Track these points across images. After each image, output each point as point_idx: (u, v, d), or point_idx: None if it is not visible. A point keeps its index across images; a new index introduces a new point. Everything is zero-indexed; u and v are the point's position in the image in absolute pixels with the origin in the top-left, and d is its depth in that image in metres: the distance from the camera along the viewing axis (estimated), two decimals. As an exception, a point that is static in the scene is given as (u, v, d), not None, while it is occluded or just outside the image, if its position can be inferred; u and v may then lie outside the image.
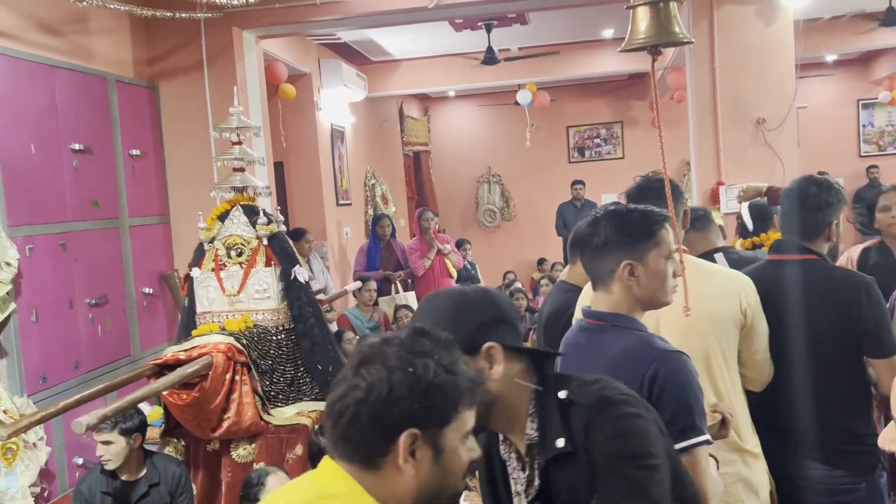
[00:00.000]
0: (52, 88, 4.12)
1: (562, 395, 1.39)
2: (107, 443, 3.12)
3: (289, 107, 6.81)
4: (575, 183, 9.48)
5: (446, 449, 1.16)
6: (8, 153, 3.72)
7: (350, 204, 8.13)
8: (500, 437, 1.50)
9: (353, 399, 1.13)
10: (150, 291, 4.94)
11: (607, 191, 10.48)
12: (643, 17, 1.79)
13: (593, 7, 6.09)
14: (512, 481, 1.47)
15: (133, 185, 4.83)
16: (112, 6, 4.13)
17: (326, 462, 1.20)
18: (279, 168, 6.71)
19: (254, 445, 3.25)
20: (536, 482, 1.41)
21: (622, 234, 1.70)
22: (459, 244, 7.34)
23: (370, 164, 9.05)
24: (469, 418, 1.19)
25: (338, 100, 7.81)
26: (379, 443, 1.13)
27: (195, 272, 3.55)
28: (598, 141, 11.08)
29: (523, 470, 1.45)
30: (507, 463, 1.49)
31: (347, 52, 7.80)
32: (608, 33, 7.83)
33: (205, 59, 5.12)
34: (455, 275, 6.71)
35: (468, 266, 7.29)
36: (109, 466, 3.13)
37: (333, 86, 7.38)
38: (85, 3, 3.84)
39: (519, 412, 1.42)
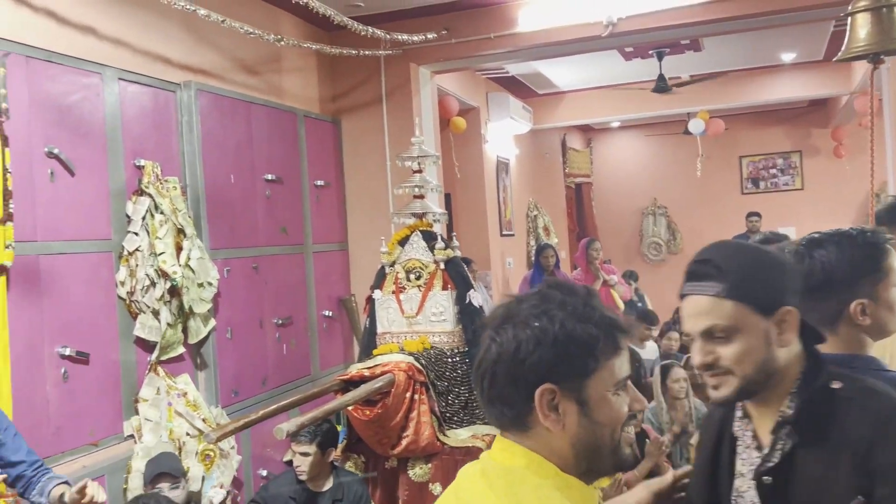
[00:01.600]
0: (250, 123, 4.47)
1: (836, 385, 1.32)
2: (305, 454, 3.30)
3: (458, 139, 6.99)
4: (750, 215, 9.03)
5: (591, 401, 1.10)
6: (212, 183, 4.06)
7: (513, 235, 8.18)
8: (739, 412, 1.43)
9: (489, 361, 1.12)
10: (330, 314, 5.19)
11: (785, 224, 9.86)
12: (863, 24, 1.68)
13: (774, 30, 5.83)
14: (739, 461, 1.40)
15: (317, 214, 5.12)
16: (305, 45, 4.44)
17: (498, 440, 1.18)
18: (447, 199, 6.88)
19: (430, 465, 3.30)
20: (773, 461, 1.33)
21: (847, 270, 1.53)
22: (628, 277, 7.15)
23: (532, 195, 9.08)
24: (619, 366, 1.13)
25: (504, 132, 7.93)
26: (520, 402, 1.11)
27: (377, 294, 3.69)
28: (774, 171, 10.52)
29: (758, 449, 1.37)
30: (739, 441, 1.41)
31: (514, 86, 7.92)
32: (788, 57, 7.46)
33: (384, 95, 5.38)
34: (622, 306, 6.56)
35: (636, 298, 7.09)
36: (303, 477, 3.30)
37: (500, 118, 7.50)
38: (283, 42, 4.14)
39: (782, 388, 1.34)
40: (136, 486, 3.36)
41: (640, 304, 7.41)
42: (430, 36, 4.80)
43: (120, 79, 3.57)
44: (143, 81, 3.72)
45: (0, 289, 2.81)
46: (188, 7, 3.48)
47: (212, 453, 3.68)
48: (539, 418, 1.10)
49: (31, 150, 3.08)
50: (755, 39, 6.55)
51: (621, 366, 1.13)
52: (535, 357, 1.08)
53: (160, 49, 3.86)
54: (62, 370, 3.19)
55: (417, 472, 3.30)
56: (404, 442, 3.23)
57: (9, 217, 2.83)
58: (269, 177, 4.58)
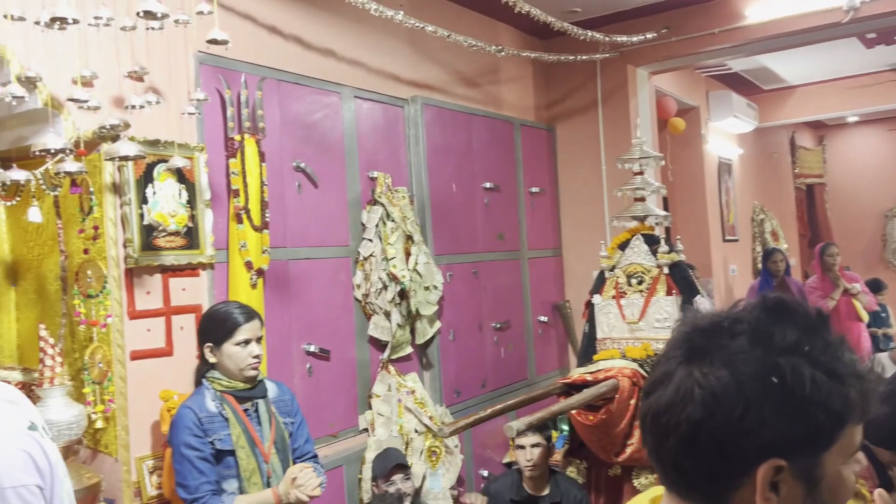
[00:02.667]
0: (470, 133, 4.63)
1: None
2: (536, 445, 3.34)
3: (676, 140, 6.75)
4: None
5: (826, 477, 0.83)
6: (436, 192, 4.25)
7: (736, 240, 7.73)
8: None
9: (687, 417, 0.82)
10: (545, 320, 5.22)
11: None
12: None
13: None
14: None
15: (531, 220, 5.18)
16: (525, 54, 4.52)
17: (668, 498, 0.90)
18: (664, 202, 6.66)
19: (656, 475, 3.21)
20: None
21: None
22: (875, 287, 6.44)
23: (758, 198, 8.53)
24: (857, 433, 0.85)
25: (725, 132, 7.54)
26: (723, 475, 0.83)
27: (596, 299, 3.66)
28: None
29: None
30: None
31: (737, 83, 7.50)
32: None
33: (599, 99, 5.33)
34: (866, 318, 5.96)
35: (880, 308, 6.40)
36: (535, 472, 3.32)
37: (722, 118, 7.14)
38: (503, 53, 4.25)
39: None
40: (369, 476, 3.59)
41: (883, 315, 6.68)
42: (649, 36, 4.69)
43: (356, 97, 3.85)
44: (376, 98, 3.99)
45: (259, 290, 3.13)
46: (417, 24, 3.68)
47: (438, 450, 3.83)
48: (746, 497, 0.82)
49: (282, 165, 3.41)
50: None
51: (858, 432, 0.86)
52: (770, 428, 0.80)
53: (390, 67, 4.12)
54: (307, 365, 3.49)
55: (643, 481, 3.22)
56: (629, 450, 3.17)
57: (265, 225, 3.15)
58: (488, 185, 4.71)
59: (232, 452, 2.39)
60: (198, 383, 2.51)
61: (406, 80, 4.23)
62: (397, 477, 3.40)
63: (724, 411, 0.80)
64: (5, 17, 2.07)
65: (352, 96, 3.83)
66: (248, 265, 3.08)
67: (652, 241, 3.60)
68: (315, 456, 2.70)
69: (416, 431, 3.81)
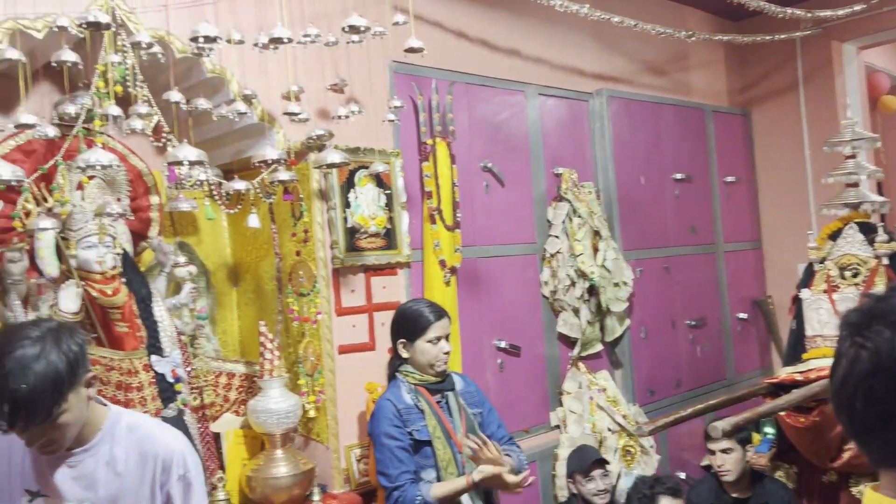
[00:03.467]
0: (658, 123, 4.48)
1: None
2: (726, 451, 3.21)
3: (889, 120, 6.14)
4: None
5: None
6: (623, 185, 4.16)
7: (966, 227, 6.90)
8: None
9: (860, 375, 0.90)
10: (744, 317, 4.94)
11: None
12: None
13: None
14: None
15: (727, 212, 4.92)
16: (717, 38, 4.32)
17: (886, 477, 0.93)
18: (877, 187, 6.07)
19: (877, 482, 2.94)
20: None
21: None
22: None
23: None
24: None
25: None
26: None
27: (805, 293, 3.41)
28: None
29: None
30: None
31: (962, 51, 6.68)
32: None
33: (800, 79, 4.97)
34: None
35: None
36: (728, 478, 3.20)
37: (945, 91, 6.39)
38: (693, 38, 4.08)
39: None
40: (562, 473, 3.58)
41: None
42: (857, 8, 4.30)
43: (540, 94, 3.85)
44: (559, 94, 3.97)
45: (452, 287, 3.23)
46: (602, 16, 3.62)
47: (633, 450, 3.75)
48: None
49: (471, 166, 3.49)
50: None
51: None
52: None
53: (574, 61, 4.08)
54: (499, 361, 3.54)
55: (862, 489, 2.96)
56: (846, 455, 2.93)
57: (457, 225, 3.25)
58: (678, 176, 4.54)
59: (428, 443, 2.48)
60: (391, 377, 2.64)
61: (590, 73, 4.17)
62: (597, 472, 3.37)
63: (885, 359, 0.87)
64: (228, 41, 2.28)
65: (536, 94, 3.84)
66: (442, 264, 3.19)
67: (868, 230, 3.30)
68: (511, 438, 2.74)
69: (610, 430, 3.75)
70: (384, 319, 3.08)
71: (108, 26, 1.87)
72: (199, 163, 2.05)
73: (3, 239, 2.30)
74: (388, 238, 3.07)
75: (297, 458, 2.70)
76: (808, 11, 4.20)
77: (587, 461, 3.41)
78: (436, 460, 2.49)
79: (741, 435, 3.24)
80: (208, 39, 1.98)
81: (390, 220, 3.07)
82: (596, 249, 3.87)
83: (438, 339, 2.57)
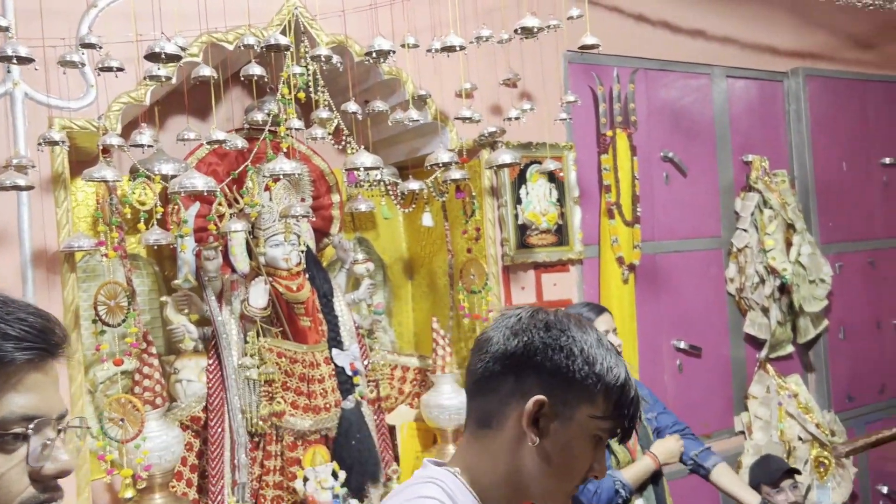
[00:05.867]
0: (864, 103, 4.05)
1: None
2: None
3: None
4: None
5: None
6: (822, 173, 3.80)
7: None
8: None
9: None
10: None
11: None
12: None
13: None
14: None
15: (947, 199, 4.37)
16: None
17: None
18: None
19: None
20: None
21: None
22: None
23: None
24: None
25: None
26: None
27: None
28: None
29: None
30: None
31: None
32: None
33: None
34: None
35: None
36: None
37: None
38: (910, 7, 3.63)
39: None
40: (745, 481, 3.36)
41: None
42: None
43: (727, 76, 3.60)
44: (750, 76, 3.69)
45: (630, 285, 3.11)
46: (800, -9, 3.31)
47: (827, 461, 3.45)
48: None
49: (650, 156, 3.32)
50: None
51: None
52: None
53: (767, 39, 3.77)
54: (678, 362, 3.38)
55: None
56: None
57: (636, 220, 3.12)
58: (887, 160, 4.08)
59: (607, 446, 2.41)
60: None
61: (785, 51, 3.83)
62: (786, 483, 3.14)
63: None
64: (402, 46, 2.30)
65: (723, 76, 3.59)
66: (620, 260, 3.08)
67: None
68: (688, 428, 2.61)
69: (800, 439, 3.48)
70: (556, 317, 3.02)
71: (287, 48, 1.94)
72: (375, 168, 2.09)
73: (200, 238, 2.48)
74: (560, 234, 3.00)
75: (468, 454, 2.72)
76: None
77: (776, 472, 3.18)
78: (616, 463, 2.42)
79: None
80: (382, 53, 2.00)
81: (562, 215, 3.00)
82: (789, 244, 3.57)
83: (606, 332, 2.49)
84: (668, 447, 2.37)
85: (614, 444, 2.40)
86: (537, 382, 1.00)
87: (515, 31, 2.14)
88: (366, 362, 2.71)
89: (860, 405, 3.90)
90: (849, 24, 4.05)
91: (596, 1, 3.14)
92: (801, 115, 3.76)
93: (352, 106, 2.26)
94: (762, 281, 3.49)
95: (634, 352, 3.10)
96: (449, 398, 2.68)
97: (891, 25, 4.25)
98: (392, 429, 2.83)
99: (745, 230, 3.52)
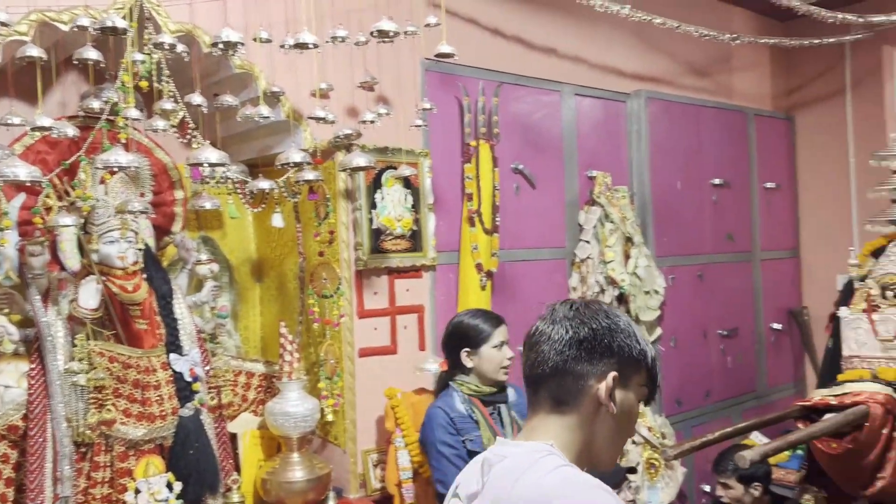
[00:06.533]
0: (698, 127, 4.35)
1: None
2: (725, 486, 3.14)
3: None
4: None
5: None
6: (659, 190, 4.05)
7: None
8: None
9: None
10: (779, 327, 4.81)
11: None
12: None
13: None
14: None
15: (766, 219, 4.78)
16: (762, 41, 4.17)
17: None
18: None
19: (913, 515, 2.83)
20: None
21: None
22: None
23: None
24: None
25: None
26: None
27: (843, 312, 3.29)
28: None
29: None
30: None
31: None
32: None
33: (847, 85, 4.79)
34: None
35: None
36: None
37: None
38: (738, 41, 3.94)
39: None
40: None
41: None
42: (912, 12, 4.12)
43: (576, 94, 3.75)
44: (596, 95, 3.86)
45: (487, 291, 3.19)
46: (644, 17, 3.51)
47: (657, 463, 3.66)
48: None
49: (502, 167, 3.40)
50: None
51: None
52: None
53: (612, 61, 3.97)
54: (523, 367, 3.47)
55: (896, 521, 2.86)
56: (879, 483, 2.82)
57: (496, 229, 3.22)
58: (716, 181, 4.40)
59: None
60: (443, 388, 2.59)
61: (629, 73, 4.06)
62: (624, 484, 3.31)
63: None
64: (254, 40, 2.23)
65: (572, 93, 3.74)
66: (479, 267, 3.15)
67: (914, 249, 3.16)
68: None
69: (634, 442, 3.66)
70: (407, 323, 3.03)
71: (124, 31, 1.83)
72: (220, 164, 2.01)
73: (26, 231, 2.28)
74: (414, 240, 3.01)
75: (314, 461, 2.67)
76: (860, 16, 4.03)
77: (617, 473, 3.34)
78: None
79: (751, 472, 3.12)
80: (230, 45, 1.93)
81: (416, 221, 3.01)
82: (627, 256, 3.77)
83: (502, 344, 2.55)
84: None
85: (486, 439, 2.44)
86: (608, 361, 1.22)
87: (372, 33, 2.12)
88: (207, 368, 2.59)
89: (688, 409, 4.17)
90: (687, 52, 4.34)
91: (453, 11, 3.19)
92: (641, 135, 3.99)
93: (196, 98, 2.15)
94: (602, 290, 3.66)
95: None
96: (295, 405, 2.61)
97: (723, 56, 4.61)
98: (233, 437, 2.72)
99: (587, 242, 3.68)
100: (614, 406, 1.21)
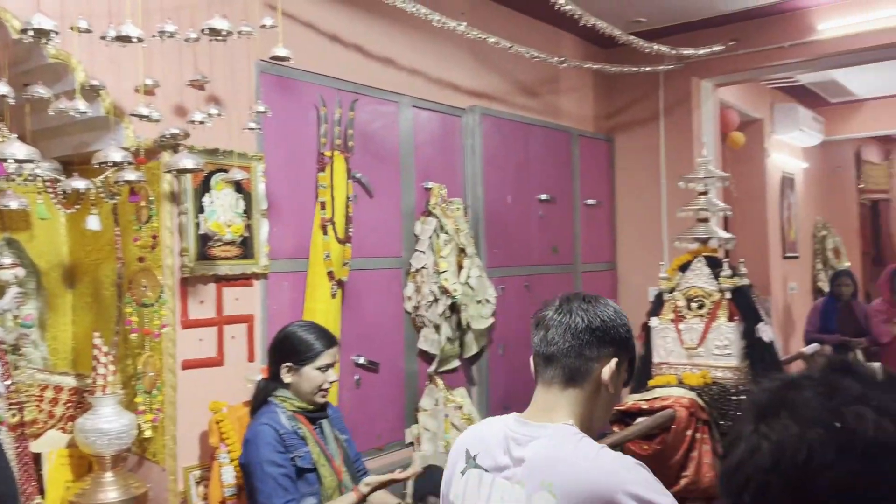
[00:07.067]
0: (528, 144, 4.54)
1: None
2: None
3: (736, 155, 6.56)
4: None
5: None
6: (491, 203, 4.18)
7: (797, 257, 7.49)
8: None
9: (756, 467, 0.82)
10: (597, 336, 5.09)
11: None
12: None
13: None
14: None
15: (587, 233, 5.07)
16: (587, 65, 4.42)
17: None
18: (724, 220, 6.47)
19: (710, 509, 3.09)
20: None
21: None
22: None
23: (821, 213, 8.25)
24: None
25: (790, 145, 7.30)
26: None
27: (653, 321, 3.54)
28: None
29: None
30: None
31: (803, 95, 7.25)
32: None
33: (661, 111, 5.19)
34: (933, 346, 5.69)
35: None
36: None
37: (787, 131, 6.91)
38: (566, 64, 4.15)
39: None
40: (411, 492, 3.53)
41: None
42: (716, 48, 4.54)
43: (414, 106, 3.80)
44: (433, 108, 3.93)
45: (337, 300, 3.16)
46: (480, 35, 3.61)
47: (484, 468, 3.76)
48: None
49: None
50: None
51: None
52: (836, 471, 0.78)
53: (450, 76, 4.06)
54: (356, 377, 3.45)
55: (698, 514, 3.11)
56: (683, 482, 3.05)
57: (348, 239, 3.22)
58: (543, 196, 4.62)
59: (310, 470, 2.36)
60: (262, 401, 2.47)
61: (465, 89, 4.16)
62: (434, 499, 3.35)
63: (789, 457, 0.80)
64: (72, 28, 2.07)
65: (410, 105, 3.78)
66: (331, 275, 3.14)
67: (714, 265, 3.47)
68: (367, 472, 2.67)
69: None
70: (235, 333, 2.92)
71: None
72: (29, 161, 1.83)
73: None
74: (245, 247, 2.91)
75: (129, 481, 2.50)
76: (673, 48, 4.39)
77: (434, 481, 3.39)
78: (322, 488, 2.37)
79: None
80: (41, 32, 1.77)
81: (248, 227, 2.91)
82: (460, 266, 3.86)
83: (328, 366, 2.45)
84: (375, 482, 2.36)
85: (322, 468, 2.36)
86: (611, 347, 1.43)
87: (204, 31, 2.03)
88: (8, 382, 2.36)
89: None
90: (519, 71, 4.52)
91: (291, 14, 3.13)
92: (475, 150, 4.10)
93: (2, 87, 1.96)
94: (436, 300, 3.72)
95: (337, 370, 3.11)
96: (109, 421, 2.44)
97: (552, 78, 4.84)
98: (37, 457, 2.49)
99: (422, 252, 3.73)
100: (612, 386, 1.43)
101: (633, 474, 1.31)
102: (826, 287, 7.04)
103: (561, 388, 1.45)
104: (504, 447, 1.42)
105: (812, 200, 8.08)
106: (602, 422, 1.50)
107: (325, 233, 3.17)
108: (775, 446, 0.82)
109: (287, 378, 2.43)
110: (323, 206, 3.18)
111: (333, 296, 3.18)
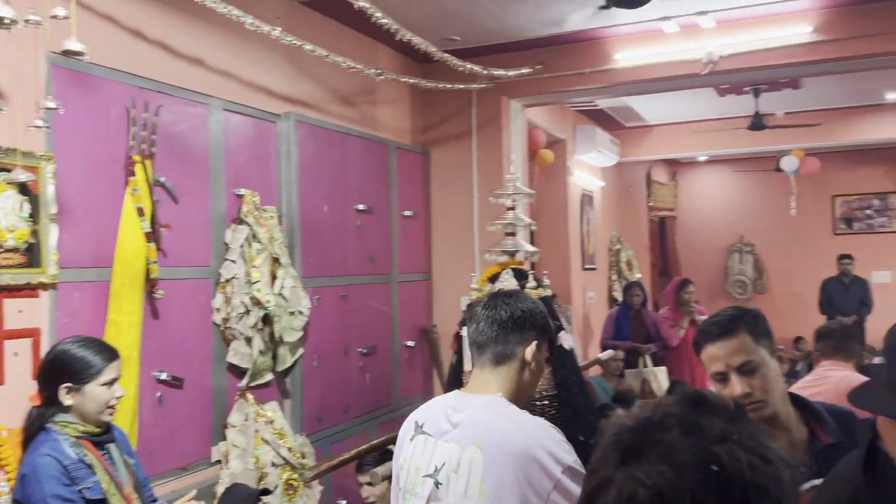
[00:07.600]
0: (345, 153, 4.52)
1: None
2: (370, 483, 3.31)
3: (543, 171, 6.93)
4: (842, 257, 8.65)
5: None
6: (307, 212, 4.12)
7: (595, 269, 8.05)
8: None
9: None
10: (412, 344, 5.17)
11: (878, 267, 9.47)
12: None
13: (881, 70, 5.59)
14: None
15: (404, 244, 5.13)
16: (403, 79, 4.48)
17: None
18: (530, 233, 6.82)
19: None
20: None
21: None
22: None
23: (616, 229, 8.93)
24: None
25: (589, 165, 7.84)
26: None
27: (465, 331, 3.63)
28: (869, 212, 10.06)
29: None
30: None
31: (602, 118, 7.83)
32: (893, 97, 7.14)
33: (474, 127, 5.38)
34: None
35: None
36: None
37: (587, 151, 7.42)
38: (383, 77, 4.19)
39: None
40: (221, 511, 3.39)
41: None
42: (524, 70, 4.78)
43: (225, 109, 3.66)
44: (246, 112, 3.81)
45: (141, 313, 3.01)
46: (295, 42, 3.55)
47: (296, 483, 3.68)
48: None
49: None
50: (859, 78, 6.30)
51: None
52: None
53: (263, 81, 3.95)
54: (158, 394, 3.25)
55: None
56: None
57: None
58: (360, 207, 4.62)
59: (100, 501, 2.17)
60: (37, 430, 2.23)
61: (280, 94, 4.08)
62: (256, 509, 3.25)
63: (668, 498, 0.78)
64: None
65: (221, 108, 3.64)
66: (153, 283, 3.09)
67: (521, 276, 3.63)
68: (156, 499, 2.52)
69: (273, 464, 3.64)
70: (18, 349, 2.66)
71: None
72: None
73: None
74: (31, 254, 2.65)
75: None
76: (484, 68, 4.56)
77: (248, 498, 3.27)
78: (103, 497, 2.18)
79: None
80: None
81: (35, 233, 2.66)
82: (274, 277, 3.75)
83: (113, 381, 2.26)
84: None
85: (112, 497, 2.18)
86: (532, 332, 1.76)
87: (-18, 16, 1.83)
88: None
89: (328, 426, 4.27)
90: (336, 80, 4.50)
91: (88, 5, 2.90)
92: (290, 157, 4.02)
93: None
94: (247, 311, 3.60)
95: (134, 386, 2.94)
96: None
97: (369, 89, 4.86)
98: None
99: (233, 261, 3.59)
100: (534, 365, 1.75)
101: (547, 433, 1.62)
102: (620, 297, 7.62)
103: (492, 368, 1.74)
104: (445, 415, 1.71)
105: (608, 216, 8.71)
106: (529, 394, 1.79)
107: (150, 240, 3.06)
108: (654, 493, 0.79)
109: (67, 400, 2.21)
110: (141, 213, 3.03)
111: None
